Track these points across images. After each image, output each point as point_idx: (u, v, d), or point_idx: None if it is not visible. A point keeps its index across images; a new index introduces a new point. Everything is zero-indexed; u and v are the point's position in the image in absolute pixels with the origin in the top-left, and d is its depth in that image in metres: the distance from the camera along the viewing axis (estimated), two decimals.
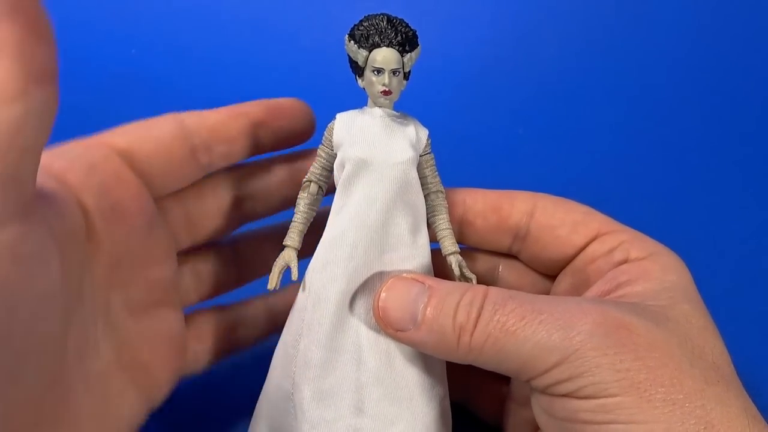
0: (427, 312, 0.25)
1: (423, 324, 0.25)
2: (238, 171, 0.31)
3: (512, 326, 0.24)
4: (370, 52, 0.26)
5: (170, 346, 0.28)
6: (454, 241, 0.27)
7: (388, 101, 0.27)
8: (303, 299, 0.27)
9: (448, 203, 0.28)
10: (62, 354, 0.22)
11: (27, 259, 0.19)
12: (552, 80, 0.50)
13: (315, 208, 0.27)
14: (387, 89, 0.26)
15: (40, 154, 0.19)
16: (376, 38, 0.26)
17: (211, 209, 0.31)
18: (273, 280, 0.26)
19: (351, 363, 0.27)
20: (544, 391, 0.24)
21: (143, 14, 0.51)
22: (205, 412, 0.34)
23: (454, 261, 0.27)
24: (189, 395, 0.34)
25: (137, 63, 0.48)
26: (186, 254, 0.31)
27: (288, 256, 0.26)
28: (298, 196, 0.27)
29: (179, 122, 0.28)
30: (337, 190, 0.27)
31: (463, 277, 0.27)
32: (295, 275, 0.27)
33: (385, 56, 0.26)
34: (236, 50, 0.50)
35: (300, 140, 0.32)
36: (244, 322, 0.34)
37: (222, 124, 0.29)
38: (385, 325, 0.26)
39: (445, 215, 0.28)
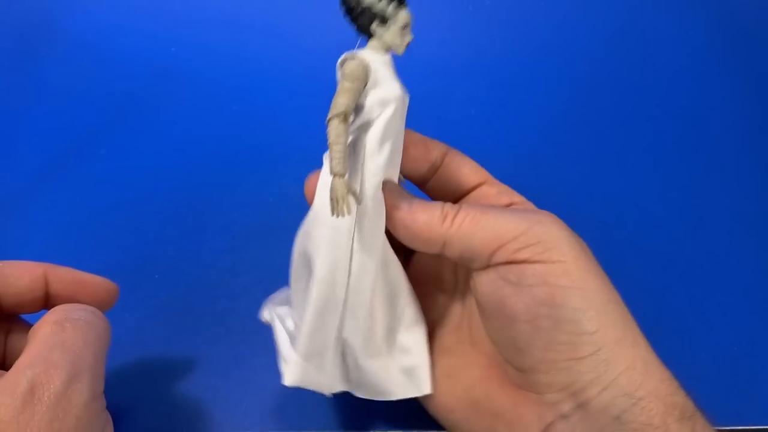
0: (420, 202, 0.28)
1: (417, 207, 0.27)
2: None
3: (488, 209, 0.27)
4: (399, 10, 0.26)
5: None
6: None
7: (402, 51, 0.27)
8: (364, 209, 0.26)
9: None
10: None
11: None
12: (498, 70, 0.53)
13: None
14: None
15: None
16: (402, 1, 0.27)
17: None
18: (345, 209, 0.24)
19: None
20: (508, 259, 0.25)
21: (181, 19, 0.54)
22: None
23: None
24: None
25: (176, 58, 0.52)
26: None
27: (348, 184, 0.24)
28: (336, 126, 0.24)
29: None
30: (377, 125, 0.26)
31: None
32: (359, 201, 0.25)
33: (409, 16, 0.27)
34: (257, 48, 0.53)
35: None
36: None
37: (22, 291, 0.29)
38: (386, 198, 0.27)
39: None
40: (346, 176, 0.24)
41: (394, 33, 0.27)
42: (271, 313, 0.31)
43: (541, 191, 0.48)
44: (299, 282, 0.29)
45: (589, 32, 0.55)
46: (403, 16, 0.27)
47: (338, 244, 0.26)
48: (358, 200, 0.25)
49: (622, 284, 0.44)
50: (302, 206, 0.46)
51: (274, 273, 0.41)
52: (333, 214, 0.24)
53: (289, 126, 0.51)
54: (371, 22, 0.26)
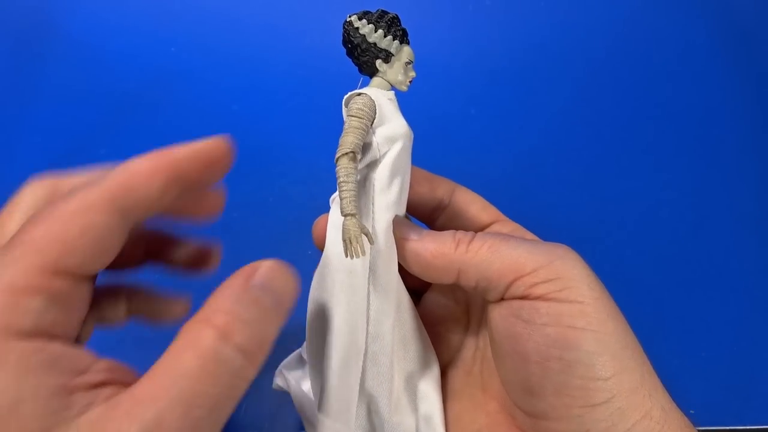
0: (430, 231, 0.27)
1: (427, 235, 0.26)
2: None
3: (508, 238, 0.25)
4: (403, 46, 0.26)
5: None
6: None
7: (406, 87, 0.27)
8: (373, 254, 0.25)
9: None
10: None
11: None
12: (498, 70, 0.53)
13: None
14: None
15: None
16: (406, 37, 0.27)
17: None
18: (358, 250, 0.23)
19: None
20: (524, 294, 0.24)
21: (181, 19, 0.54)
22: None
23: None
24: None
25: (176, 58, 0.52)
26: None
27: (361, 224, 0.23)
28: (345, 165, 0.24)
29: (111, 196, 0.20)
30: (385, 163, 0.25)
31: None
32: (372, 241, 0.24)
33: (413, 52, 0.27)
34: (257, 48, 0.53)
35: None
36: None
37: (153, 196, 0.21)
38: (395, 231, 0.26)
39: None
40: (357, 216, 0.23)
41: (398, 70, 0.26)
42: (285, 378, 0.29)
43: (541, 191, 0.49)
44: (317, 337, 0.26)
45: (589, 32, 0.55)
46: (407, 52, 0.27)
47: (354, 289, 0.25)
48: (372, 240, 0.24)
49: (623, 284, 0.45)
50: (302, 206, 0.47)
51: None
52: (347, 255, 0.23)
53: (289, 126, 0.51)
54: (376, 59, 0.26)
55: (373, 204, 0.25)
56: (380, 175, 0.25)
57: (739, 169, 0.51)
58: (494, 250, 0.25)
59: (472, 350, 0.30)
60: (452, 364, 0.30)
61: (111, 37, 0.53)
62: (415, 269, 0.27)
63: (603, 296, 0.24)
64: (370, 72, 0.27)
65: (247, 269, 0.21)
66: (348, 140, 0.24)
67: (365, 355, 0.25)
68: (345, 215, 0.23)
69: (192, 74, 0.53)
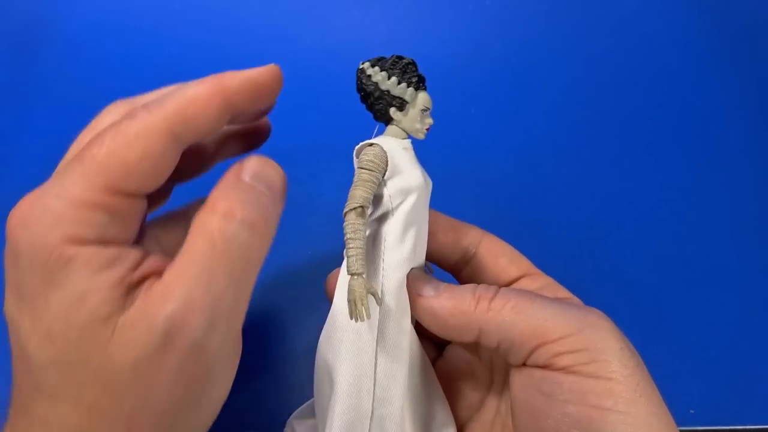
0: (448, 286, 0.25)
1: (444, 291, 0.24)
2: None
3: (535, 297, 0.23)
4: (418, 92, 0.25)
5: None
6: None
7: (423, 135, 0.26)
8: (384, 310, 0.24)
9: None
10: None
11: None
12: (498, 70, 0.53)
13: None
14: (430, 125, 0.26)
15: None
16: (422, 83, 0.26)
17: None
18: (363, 313, 0.22)
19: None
20: (547, 363, 0.22)
21: (181, 19, 0.54)
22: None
23: None
24: None
25: (176, 58, 0.52)
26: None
27: (368, 285, 0.23)
28: (353, 221, 0.23)
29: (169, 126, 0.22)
30: (397, 217, 0.24)
31: None
32: (380, 302, 0.23)
33: (429, 99, 0.26)
34: (257, 48, 0.53)
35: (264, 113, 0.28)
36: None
37: (207, 123, 0.23)
38: (409, 286, 0.25)
39: None
40: (365, 275, 0.22)
41: (413, 118, 0.25)
42: (293, 430, 0.28)
43: (541, 191, 0.49)
44: (322, 395, 0.25)
45: (589, 32, 0.55)
46: (423, 98, 0.25)
47: (361, 350, 0.24)
48: (379, 301, 0.23)
49: (623, 284, 0.45)
50: (301, 207, 0.47)
51: (273, 274, 0.41)
52: (351, 317, 0.22)
53: (288, 126, 0.50)
54: (390, 108, 0.25)
55: (383, 261, 0.24)
56: (392, 228, 0.24)
57: (739, 169, 0.52)
58: (518, 311, 0.23)
59: (492, 412, 0.28)
60: (471, 425, 0.28)
61: (110, 37, 0.53)
62: (432, 328, 0.25)
63: (636, 373, 0.21)
64: (385, 120, 0.26)
65: (234, 167, 0.23)
66: (357, 194, 0.23)
67: (371, 419, 0.24)
68: (351, 274, 0.22)
69: (192, 74, 0.51)
